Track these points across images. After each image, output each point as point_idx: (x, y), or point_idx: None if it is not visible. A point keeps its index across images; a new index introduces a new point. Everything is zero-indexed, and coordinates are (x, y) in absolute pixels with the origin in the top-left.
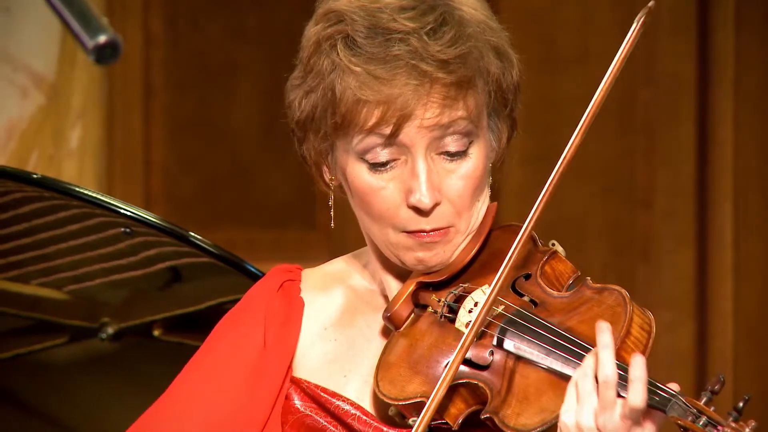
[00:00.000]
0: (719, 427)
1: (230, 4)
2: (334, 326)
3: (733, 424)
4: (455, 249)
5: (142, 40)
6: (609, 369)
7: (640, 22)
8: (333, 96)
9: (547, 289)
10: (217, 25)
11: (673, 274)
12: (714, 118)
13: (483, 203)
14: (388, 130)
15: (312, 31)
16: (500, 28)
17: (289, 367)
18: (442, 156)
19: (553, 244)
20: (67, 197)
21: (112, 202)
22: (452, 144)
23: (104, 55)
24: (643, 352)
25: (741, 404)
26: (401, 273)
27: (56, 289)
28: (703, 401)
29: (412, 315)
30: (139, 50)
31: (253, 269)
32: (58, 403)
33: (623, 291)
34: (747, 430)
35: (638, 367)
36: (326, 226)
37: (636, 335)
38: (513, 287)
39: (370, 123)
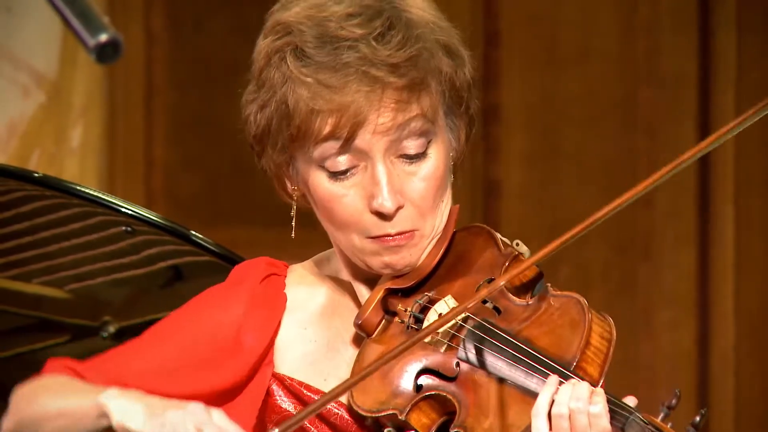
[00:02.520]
0: None
1: (232, 3)
2: (313, 327)
3: None
4: (422, 252)
5: (143, 39)
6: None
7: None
8: (286, 108)
9: (510, 295)
10: (219, 24)
11: (674, 273)
12: (715, 117)
13: (446, 204)
14: (343, 137)
15: (262, 44)
16: (449, 27)
17: (267, 356)
18: (402, 159)
19: (518, 244)
20: (68, 196)
21: (113, 200)
22: (411, 146)
23: (105, 53)
24: (603, 362)
25: (698, 419)
26: (370, 279)
27: (58, 287)
28: (660, 417)
29: (383, 322)
30: (141, 49)
31: None
32: None
33: (582, 300)
34: None
35: (599, 401)
36: None
37: (596, 345)
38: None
39: (325, 132)
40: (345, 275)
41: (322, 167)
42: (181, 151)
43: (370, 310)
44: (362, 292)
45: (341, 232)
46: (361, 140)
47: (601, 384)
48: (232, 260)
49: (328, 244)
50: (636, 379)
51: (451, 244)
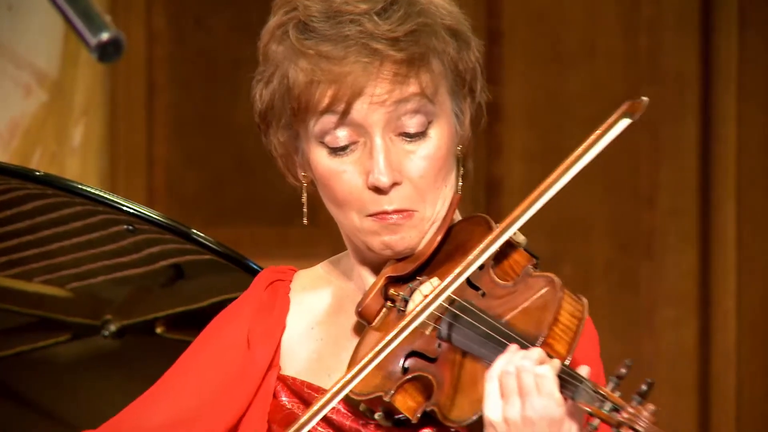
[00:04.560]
0: (622, 412)
1: (233, 1)
2: (320, 325)
3: (631, 410)
4: (422, 235)
5: (145, 37)
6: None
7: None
8: (288, 81)
9: (497, 279)
10: (221, 22)
11: (676, 271)
12: (717, 116)
13: (449, 189)
14: (341, 109)
15: (270, 23)
16: (458, 11)
17: (273, 360)
18: (402, 137)
19: (515, 234)
20: (70, 195)
21: (114, 199)
22: (410, 124)
23: (107, 52)
24: (572, 339)
25: (644, 387)
26: (376, 267)
27: (59, 286)
28: (609, 387)
29: (384, 309)
30: (143, 47)
31: (255, 266)
32: (60, 400)
33: (555, 279)
34: (645, 413)
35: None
36: (331, 223)
37: (565, 323)
38: (468, 278)
39: (324, 104)
40: (354, 274)
41: (323, 143)
42: (183, 150)
43: (370, 298)
44: (368, 281)
45: (342, 211)
46: (358, 113)
47: (568, 362)
48: (234, 259)
49: (331, 242)
50: (637, 377)
51: (451, 233)
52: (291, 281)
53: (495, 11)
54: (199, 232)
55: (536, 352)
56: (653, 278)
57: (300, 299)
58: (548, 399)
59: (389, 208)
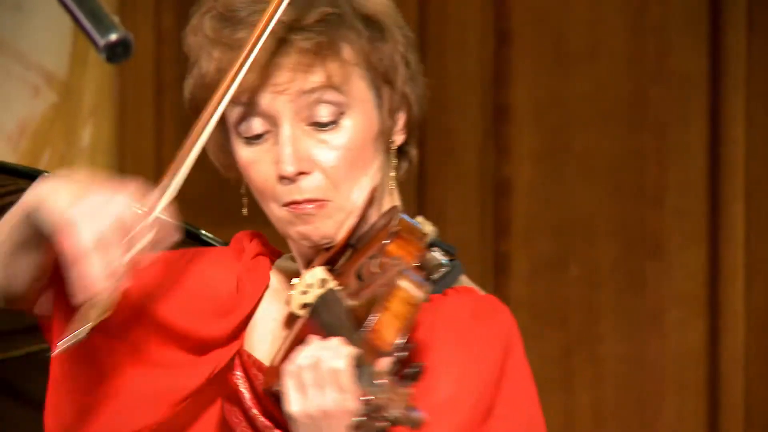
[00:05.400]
0: (389, 405)
1: None
2: (276, 305)
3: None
4: (340, 226)
5: (153, 38)
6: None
7: None
8: (201, 71)
9: (375, 270)
10: None
11: (684, 272)
12: (725, 117)
13: (369, 181)
14: (247, 99)
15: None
16: (386, 3)
17: (240, 331)
18: (314, 126)
19: (420, 224)
20: None
21: None
22: (321, 114)
23: (116, 53)
24: (402, 326)
25: (412, 370)
26: (309, 258)
27: None
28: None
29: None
30: (151, 48)
31: None
32: None
33: (401, 265)
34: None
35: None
36: None
37: (397, 309)
38: (355, 268)
39: (233, 93)
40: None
41: (239, 134)
42: None
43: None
44: (301, 269)
45: (263, 202)
46: (264, 101)
47: (398, 347)
48: None
49: None
50: (644, 378)
51: (365, 223)
52: (274, 262)
53: (503, 13)
54: (208, 233)
55: (333, 343)
56: (660, 279)
57: (274, 279)
58: (342, 392)
59: (300, 197)
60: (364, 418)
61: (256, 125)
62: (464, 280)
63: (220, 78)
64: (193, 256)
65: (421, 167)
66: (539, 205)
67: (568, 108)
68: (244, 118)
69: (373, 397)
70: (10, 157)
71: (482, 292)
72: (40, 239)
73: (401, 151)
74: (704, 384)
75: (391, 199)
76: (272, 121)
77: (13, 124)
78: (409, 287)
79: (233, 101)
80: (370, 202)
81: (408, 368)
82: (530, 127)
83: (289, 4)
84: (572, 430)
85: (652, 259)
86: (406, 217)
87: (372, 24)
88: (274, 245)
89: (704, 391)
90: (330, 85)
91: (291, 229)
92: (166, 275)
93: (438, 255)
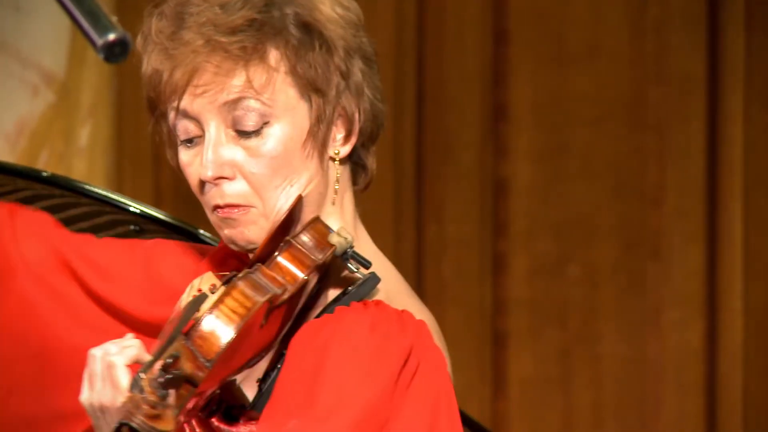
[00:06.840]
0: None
1: None
2: None
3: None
4: (263, 231)
5: None
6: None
7: None
8: (143, 72)
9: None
10: None
11: (683, 272)
12: (724, 116)
13: (297, 190)
14: (175, 101)
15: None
16: (335, 14)
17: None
18: (239, 133)
19: (338, 234)
20: (76, 195)
21: (121, 199)
22: (243, 120)
23: (114, 52)
24: (237, 328)
25: (168, 360)
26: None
27: None
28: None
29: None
30: None
31: None
32: None
33: (248, 273)
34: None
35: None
36: None
37: (229, 310)
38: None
39: (164, 94)
40: None
41: (178, 136)
42: None
43: None
44: None
45: (202, 203)
46: (188, 105)
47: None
48: None
49: None
50: (644, 378)
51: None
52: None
53: (502, 12)
54: (206, 232)
55: (125, 339)
56: (659, 279)
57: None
58: (113, 387)
59: (221, 202)
60: (124, 420)
61: (190, 128)
62: (386, 295)
63: (153, 82)
64: (166, 244)
65: (420, 166)
66: (538, 205)
67: (567, 107)
68: (178, 120)
69: (127, 401)
70: (8, 156)
71: (403, 307)
72: None
73: (355, 163)
74: (703, 383)
75: (341, 211)
76: (200, 124)
77: (11, 124)
78: (238, 294)
79: (164, 101)
80: (301, 211)
81: (170, 375)
82: (529, 126)
83: (222, 7)
84: (571, 430)
85: (652, 259)
86: (330, 228)
87: (308, 33)
88: None
89: (703, 391)
90: (249, 90)
91: (221, 232)
92: (128, 256)
93: (352, 267)
